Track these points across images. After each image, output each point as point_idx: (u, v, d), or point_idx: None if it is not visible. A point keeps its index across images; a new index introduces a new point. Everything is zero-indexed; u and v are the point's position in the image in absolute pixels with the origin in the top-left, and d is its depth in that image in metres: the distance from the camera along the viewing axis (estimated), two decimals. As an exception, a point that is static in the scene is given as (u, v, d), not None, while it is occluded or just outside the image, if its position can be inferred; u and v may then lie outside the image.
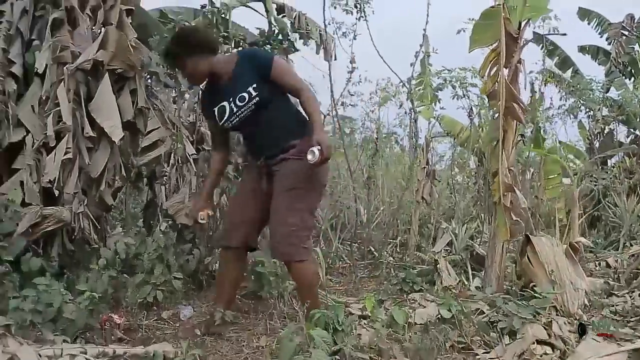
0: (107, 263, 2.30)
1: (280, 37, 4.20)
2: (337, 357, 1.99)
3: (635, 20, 7.89)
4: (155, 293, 2.77)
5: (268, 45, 4.24)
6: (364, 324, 2.75)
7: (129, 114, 2.92)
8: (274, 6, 4.44)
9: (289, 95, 2.49)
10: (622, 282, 3.66)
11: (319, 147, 2.19)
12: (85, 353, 1.86)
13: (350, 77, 4.42)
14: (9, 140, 2.72)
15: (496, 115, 3.19)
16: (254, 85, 2.35)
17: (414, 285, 3.60)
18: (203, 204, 2.63)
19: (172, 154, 3.55)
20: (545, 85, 4.67)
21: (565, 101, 6.49)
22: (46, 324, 2.07)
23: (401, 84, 4.84)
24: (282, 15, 4.53)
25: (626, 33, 7.81)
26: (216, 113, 2.46)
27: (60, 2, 2.71)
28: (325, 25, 4.52)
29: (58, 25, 2.70)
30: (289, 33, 4.24)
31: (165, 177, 3.92)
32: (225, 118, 2.43)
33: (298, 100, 2.45)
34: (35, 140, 2.70)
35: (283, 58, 4.33)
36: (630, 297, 3.28)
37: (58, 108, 2.65)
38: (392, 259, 4.57)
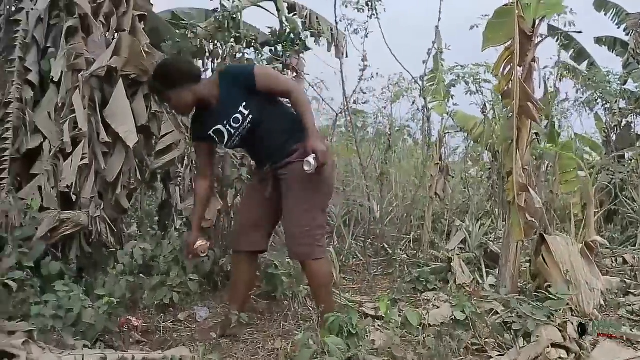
0: (125, 268, 2.35)
1: (292, 36, 4.20)
2: (351, 362, 2.01)
3: (655, 10, 7.71)
4: (172, 295, 2.82)
5: (280, 45, 4.25)
6: (378, 325, 2.77)
7: (143, 119, 2.96)
8: (285, 5, 4.43)
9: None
10: (639, 280, 3.63)
11: (315, 155, 2.20)
12: (105, 358, 1.90)
13: (362, 75, 4.40)
14: (27, 146, 2.78)
15: (510, 114, 3.17)
16: (244, 104, 2.33)
17: (428, 284, 3.61)
18: (197, 234, 2.55)
19: (186, 156, 3.59)
20: (560, 81, 4.59)
21: (583, 94, 6.39)
22: (66, 328, 2.11)
23: (413, 80, 4.81)
24: (293, 13, 4.51)
25: (645, 24, 7.63)
26: (213, 136, 2.45)
27: (74, 9, 2.74)
28: (336, 23, 4.51)
29: (72, 32, 2.74)
30: (301, 32, 4.23)
31: (179, 178, 3.97)
32: (225, 141, 2.44)
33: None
34: (52, 147, 2.75)
35: (295, 57, 4.33)
36: (647, 296, 3.26)
37: (74, 115, 2.69)
38: (405, 255, 4.57)
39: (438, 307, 3.07)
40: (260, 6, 4.30)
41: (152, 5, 3.22)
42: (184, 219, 3.10)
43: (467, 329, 2.57)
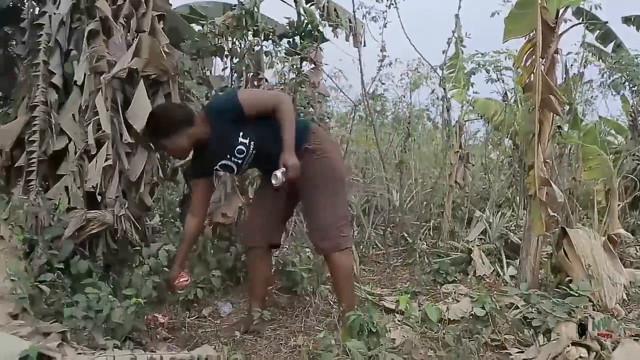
0: (150, 270, 2.43)
1: (309, 27, 4.18)
2: (371, 361, 2.05)
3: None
4: (196, 291, 2.90)
5: (298, 37, 4.23)
6: (398, 320, 2.81)
7: (164, 118, 3.00)
8: (302, -5, 4.38)
9: None
10: (665, 272, 3.58)
11: (284, 170, 2.24)
12: (135, 359, 1.98)
13: (381, 66, 4.36)
14: (53, 148, 2.85)
15: (532, 107, 3.12)
16: (242, 134, 2.36)
17: (447, 277, 3.63)
18: (179, 270, 2.57)
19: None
20: (585, 67, 4.47)
21: (609, 77, 6.22)
22: (97, 328, 2.20)
23: (432, 70, 4.74)
24: (310, 4, 4.46)
25: (676, 0, 7.34)
26: (220, 170, 2.51)
27: (94, 12, 2.77)
28: (354, 11, 4.46)
29: (94, 35, 2.77)
30: (319, 23, 4.20)
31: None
32: (235, 171, 2.51)
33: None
34: (77, 148, 2.81)
35: (314, 49, 4.31)
36: (673, 289, 3.22)
37: (97, 117, 2.74)
38: (425, 245, 4.57)
39: (458, 301, 3.10)
40: (277, -3, 4.27)
41: (171, 5, 3.23)
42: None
43: (487, 324, 2.58)
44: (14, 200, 2.62)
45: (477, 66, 4.59)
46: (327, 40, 4.31)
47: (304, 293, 3.02)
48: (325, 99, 5.04)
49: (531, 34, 3.02)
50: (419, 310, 2.84)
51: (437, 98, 5.27)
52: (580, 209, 5.12)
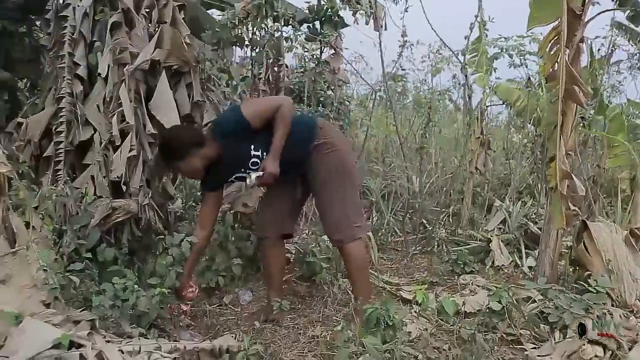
0: (174, 260, 2.50)
1: (330, 12, 4.15)
2: (387, 355, 2.09)
3: None
4: (217, 278, 2.99)
5: (318, 22, 4.20)
6: (415, 312, 2.85)
7: (186, 108, 3.03)
8: (323, -20, 4.33)
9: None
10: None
11: (261, 174, 2.37)
12: (160, 348, 2.06)
13: (402, 51, 4.31)
14: (79, 138, 2.92)
15: (555, 98, 3.06)
16: (252, 147, 2.47)
17: (465, 267, 3.63)
18: (186, 281, 2.65)
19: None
20: (613, 51, 4.34)
21: (639, 59, 6.03)
22: (123, 316, 2.29)
23: (452, 56, 4.66)
24: (330, -12, 4.42)
25: None
26: (235, 181, 2.62)
27: (117, 4, 2.80)
28: (375, -6, 4.39)
29: (116, 27, 2.80)
30: (339, 8, 4.16)
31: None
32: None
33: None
34: (102, 139, 2.88)
35: (333, 34, 4.27)
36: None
37: (121, 108, 2.79)
38: (444, 232, 4.57)
39: (475, 293, 3.12)
40: (298, -18, 4.23)
41: (191, -6, 3.24)
42: (227, 204, 3.22)
43: (503, 318, 2.60)
44: (43, 190, 2.70)
45: (500, 51, 4.49)
46: (347, 25, 4.28)
47: (322, 282, 3.08)
48: (345, 84, 5.02)
49: (556, 22, 2.94)
50: (435, 303, 2.88)
51: (459, 83, 5.18)
52: (604, 197, 5.05)
